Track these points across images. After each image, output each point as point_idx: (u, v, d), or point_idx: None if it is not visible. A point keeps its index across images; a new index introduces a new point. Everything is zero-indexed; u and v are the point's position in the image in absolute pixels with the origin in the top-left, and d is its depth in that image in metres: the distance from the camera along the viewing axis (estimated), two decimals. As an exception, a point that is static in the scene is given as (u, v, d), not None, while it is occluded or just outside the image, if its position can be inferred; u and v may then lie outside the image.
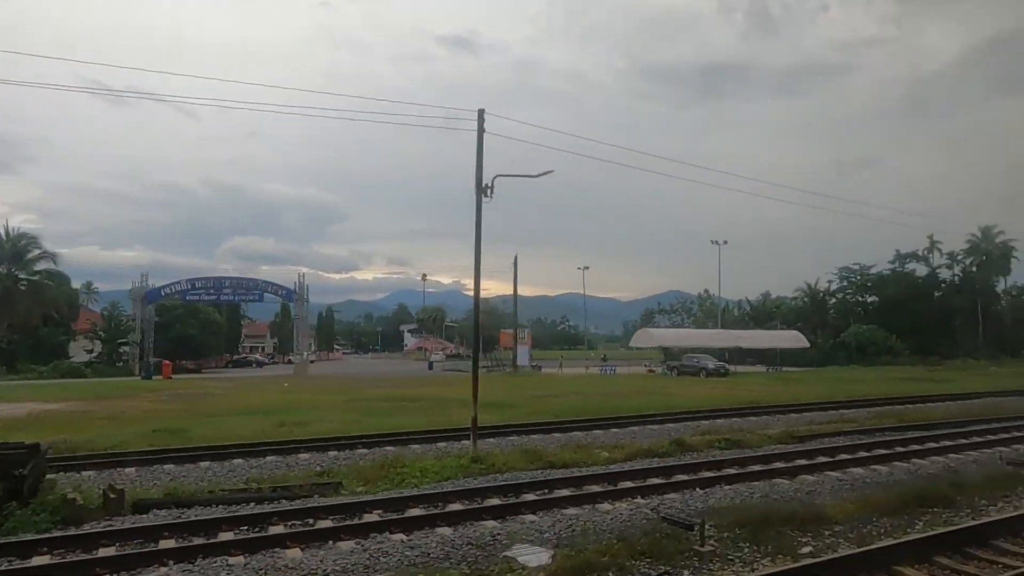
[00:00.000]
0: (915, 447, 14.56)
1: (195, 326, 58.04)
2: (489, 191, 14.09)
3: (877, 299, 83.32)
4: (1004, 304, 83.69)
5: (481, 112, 14.41)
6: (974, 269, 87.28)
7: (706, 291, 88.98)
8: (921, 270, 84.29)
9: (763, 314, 79.32)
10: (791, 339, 59.27)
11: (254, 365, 72.06)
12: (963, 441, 15.42)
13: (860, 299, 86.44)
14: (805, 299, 77.17)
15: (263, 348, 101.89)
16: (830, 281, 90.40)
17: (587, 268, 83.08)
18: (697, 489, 10.81)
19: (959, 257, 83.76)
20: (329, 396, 29.13)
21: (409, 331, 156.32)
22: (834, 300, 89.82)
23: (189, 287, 53.95)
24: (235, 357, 79.41)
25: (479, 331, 16.85)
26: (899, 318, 74.39)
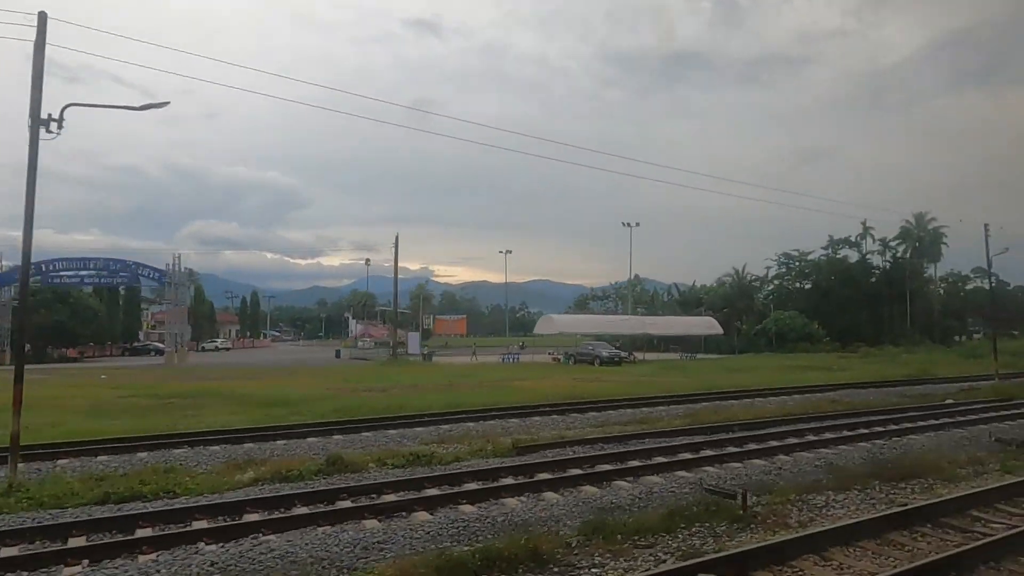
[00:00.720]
0: (634, 463, 11.23)
1: (63, 311, 53.04)
2: (56, 125, 10.26)
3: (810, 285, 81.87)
4: (934, 290, 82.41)
5: (42, 16, 10.40)
6: (907, 256, 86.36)
7: (636, 276, 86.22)
8: (854, 256, 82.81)
9: (692, 300, 76.78)
10: (703, 325, 56.51)
11: (152, 353, 67.24)
12: (710, 453, 12.15)
13: (798, 286, 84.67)
14: (732, 285, 74.75)
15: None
16: (768, 267, 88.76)
17: (510, 252, 79.68)
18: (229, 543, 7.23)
19: (891, 243, 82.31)
20: (92, 391, 25.21)
21: (352, 317, 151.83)
22: (771, 286, 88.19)
23: (49, 269, 49.03)
24: (134, 344, 74.37)
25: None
26: (828, 304, 72.49)
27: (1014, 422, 16.27)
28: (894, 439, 13.84)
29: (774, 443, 13.23)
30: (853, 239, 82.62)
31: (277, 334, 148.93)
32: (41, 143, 10.33)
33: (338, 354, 64.71)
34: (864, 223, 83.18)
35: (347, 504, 9.00)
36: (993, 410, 18.35)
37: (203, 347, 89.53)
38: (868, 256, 78.82)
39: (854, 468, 11.06)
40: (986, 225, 38.98)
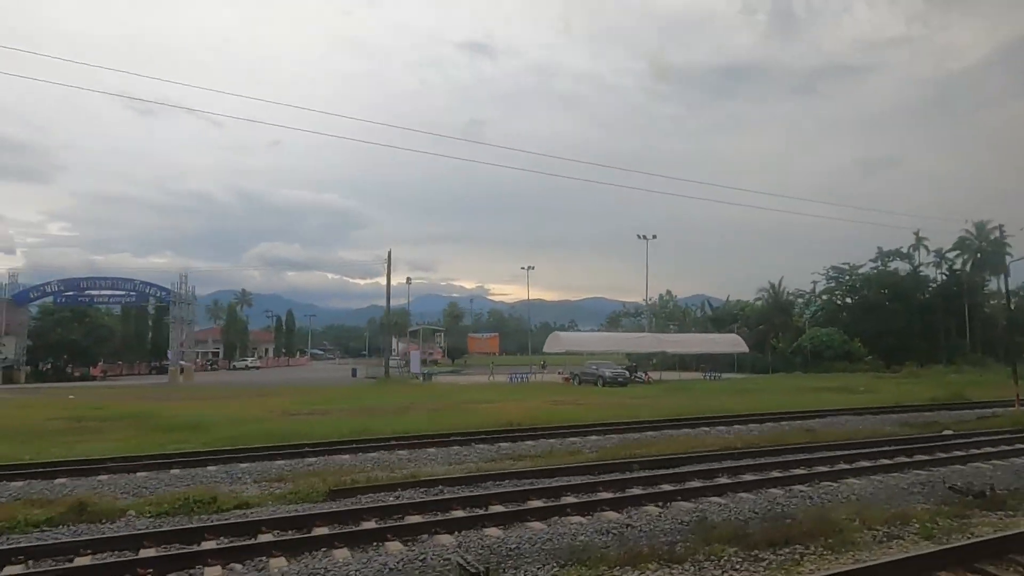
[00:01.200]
0: (458, 513, 8.92)
1: (78, 331, 53.64)
2: None
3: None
4: (998, 304, 75.71)
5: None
6: (968, 268, 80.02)
7: (668, 292, 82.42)
8: (906, 269, 77.07)
9: (725, 317, 72.56)
10: (726, 343, 52.73)
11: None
12: (538, 504, 9.69)
13: (848, 301, 79.35)
14: (768, 301, 70.29)
15: (210, 353, 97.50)
16: (815, 282, 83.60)
17: (532, 268, 77.06)
18: None
19: (947, 254, 76.21)
20: (32, 412, 24.28)
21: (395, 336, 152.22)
22: (819, 301, 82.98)
23: (60, 288, 49.71)
24: (163, 362, 75.37)
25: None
26: (874, 320, 67.36)
27: (1004, 461, 13.12)
28: (824, 484, 11.06)
29: (666, 487, 10.69)
30: (905, 250, 77.10)
31: (320, 352, 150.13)
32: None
33: (354, 373, 63.69)
34: (917, 233, 77.66)
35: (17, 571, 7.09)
36: (992, 445, 15.10)
37: (234, 365, 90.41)
38: (920, 268, 73.09)
39: (728, 526, 8.48)
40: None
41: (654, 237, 58.81)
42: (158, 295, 51.43)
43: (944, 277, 73.23)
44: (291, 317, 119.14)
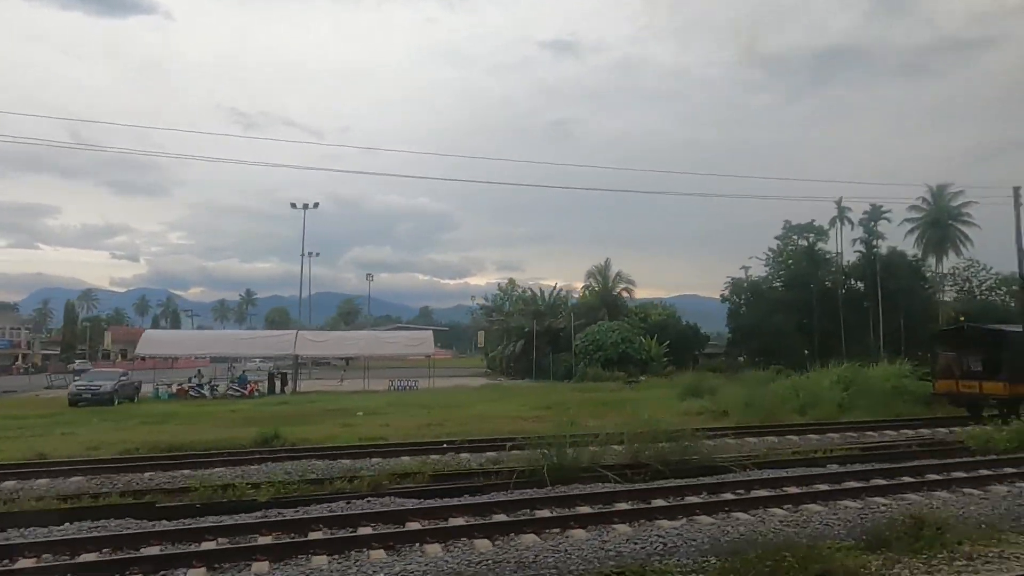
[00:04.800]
0: None
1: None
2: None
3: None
4: (931, 291, 62.62)
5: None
6: (923, 242, 66.99)
7: (510, 281, 71.40)
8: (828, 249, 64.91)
9: (548, 309, 62.13)
10: (406, 343, 44.39)
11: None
12: None
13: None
14: (595, 289, 59.23)
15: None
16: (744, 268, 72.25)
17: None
18: None
19: (872, 227, 63.38)
20: None
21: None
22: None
23: None
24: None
25: None
26: (746, 315, 56.87)
27: None
28: None
29: None
30: (825, 226, 64.97)
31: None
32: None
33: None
34: (839, 202, 65.38)
35: None
36: None
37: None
38: (824, 250, 61.33)
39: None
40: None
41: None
42: None
43: (859, 257, 61.29)
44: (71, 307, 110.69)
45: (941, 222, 63.74)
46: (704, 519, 9.41)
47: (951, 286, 78.76)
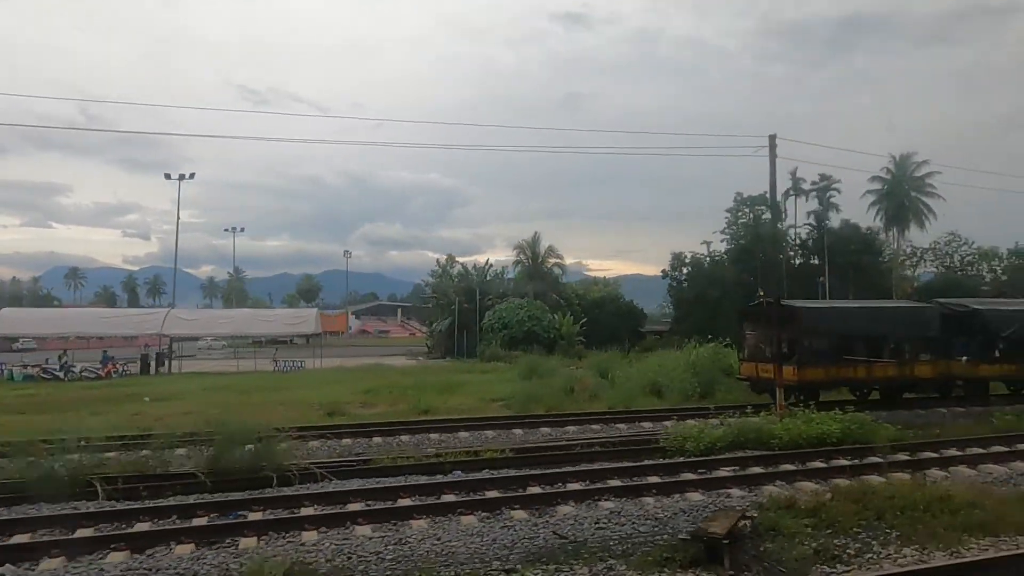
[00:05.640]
0: None
1: None
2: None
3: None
4: (885, 264, 59.37)
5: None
6: (882, 216, 64.15)
7: (449, 256, 68.83)
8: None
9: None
10: (287, 321, 42.75)
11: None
12: None
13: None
14: (528, 265, 56.83)
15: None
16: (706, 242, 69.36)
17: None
18: None
19: (828, 198, 60.16)
20: None
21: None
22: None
23: None
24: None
25: None
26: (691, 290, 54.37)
27: None
28: None
29: None
30: (779, 198, 61.78)
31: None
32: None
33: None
34: (793, 173, 62.34)
35: None
36: None
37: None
38: (772, 223, 58.29)
39: None
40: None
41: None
42: None
43: (796, 231, 58.41)
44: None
45: (897, 193, 60.48)
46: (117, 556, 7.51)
47: (932, 260, 76.21)
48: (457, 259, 60.66)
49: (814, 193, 61.42)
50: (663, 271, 58.28)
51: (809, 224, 59.39)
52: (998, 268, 72.13)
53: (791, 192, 62.05)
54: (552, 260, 53.48)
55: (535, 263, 52.70)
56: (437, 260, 60.59)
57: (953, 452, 12.94)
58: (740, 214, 61.27)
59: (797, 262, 58.64)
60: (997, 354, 20.21)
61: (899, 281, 57.92)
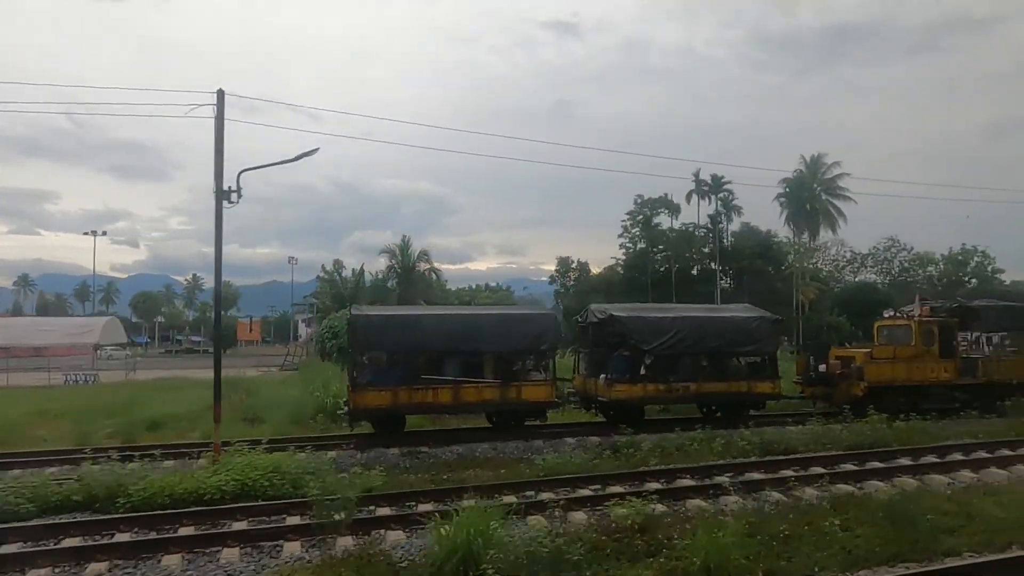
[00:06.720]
0: None
1: None
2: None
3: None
4: (786, 270, 56.39)
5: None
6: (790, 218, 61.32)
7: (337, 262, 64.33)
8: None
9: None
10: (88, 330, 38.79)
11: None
12: None
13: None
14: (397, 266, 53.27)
15: None
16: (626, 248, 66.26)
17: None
18: None
19: (728, 199, 57.14)
20: None
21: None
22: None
23: None
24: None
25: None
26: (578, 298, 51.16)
27: None
28: None
29: None
30: (681, 202, 58.76)
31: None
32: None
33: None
34: (697, 174, 59.32)
35: None
36: None
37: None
38: (666, 228, 55.38)
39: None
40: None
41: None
42: None
43: (703, 233, 55.28)
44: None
45: (801, 196, 57.62)
46: None
47: (871, 266, 74.70)
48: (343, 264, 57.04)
49: (718, 195, 58.68)
50: (551, 277, 55.33)
51: (706, 228, 56.42)
52: (934, 272, 70.78)
53: (693, 193, 59.10)
54: (424, 265, 50.23)
55: (406, 269, 49.46)
56: (323, 266, 57.10)
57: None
58: (639, 216, 58.42)
59: (696, 269, 55.68)
60: (643, 371, 16.89)
61: (802, 286, 55.03)
